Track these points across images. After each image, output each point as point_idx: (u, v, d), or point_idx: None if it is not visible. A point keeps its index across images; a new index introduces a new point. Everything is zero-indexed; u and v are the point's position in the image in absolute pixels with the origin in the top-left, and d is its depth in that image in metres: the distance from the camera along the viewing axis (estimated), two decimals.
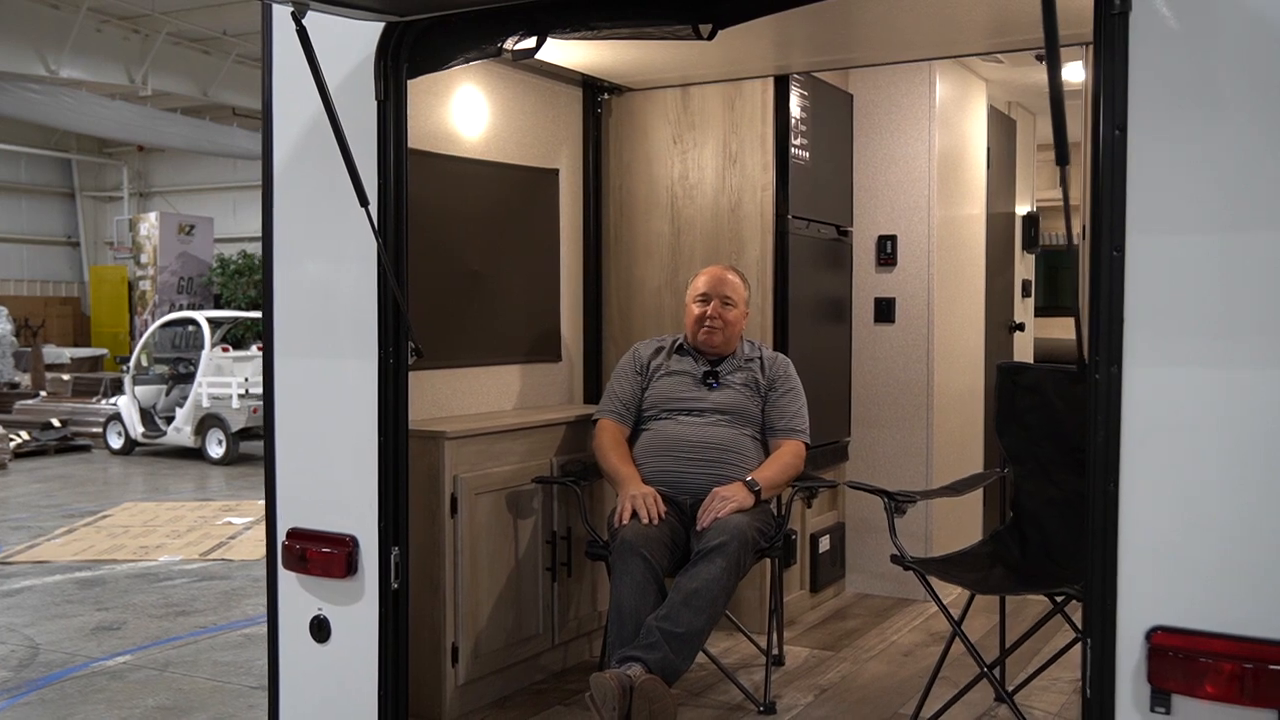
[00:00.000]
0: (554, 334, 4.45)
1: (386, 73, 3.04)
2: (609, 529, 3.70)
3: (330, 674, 3.18)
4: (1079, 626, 3.37)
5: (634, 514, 3.51)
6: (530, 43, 3.01)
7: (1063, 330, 7.63)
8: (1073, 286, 2.38)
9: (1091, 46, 3.74)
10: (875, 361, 5.07)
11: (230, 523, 8.71)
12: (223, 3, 14.22)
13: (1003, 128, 5.84)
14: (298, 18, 2.75)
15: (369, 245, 3.07)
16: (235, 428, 11.89)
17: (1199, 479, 2.21)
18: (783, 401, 3.84)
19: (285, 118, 3.25)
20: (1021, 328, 6.16)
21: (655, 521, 3.50)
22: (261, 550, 7.72)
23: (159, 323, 13.45)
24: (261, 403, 11.67)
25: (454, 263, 3.93)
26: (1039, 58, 4.87)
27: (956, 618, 3.37)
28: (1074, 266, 3.51)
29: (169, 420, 12.43)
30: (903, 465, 4.96)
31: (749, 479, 3.62)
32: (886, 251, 5.01)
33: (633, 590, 3.33)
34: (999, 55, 4.75)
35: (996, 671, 3.63)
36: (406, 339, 3.10)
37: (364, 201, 2.93)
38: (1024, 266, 6.27)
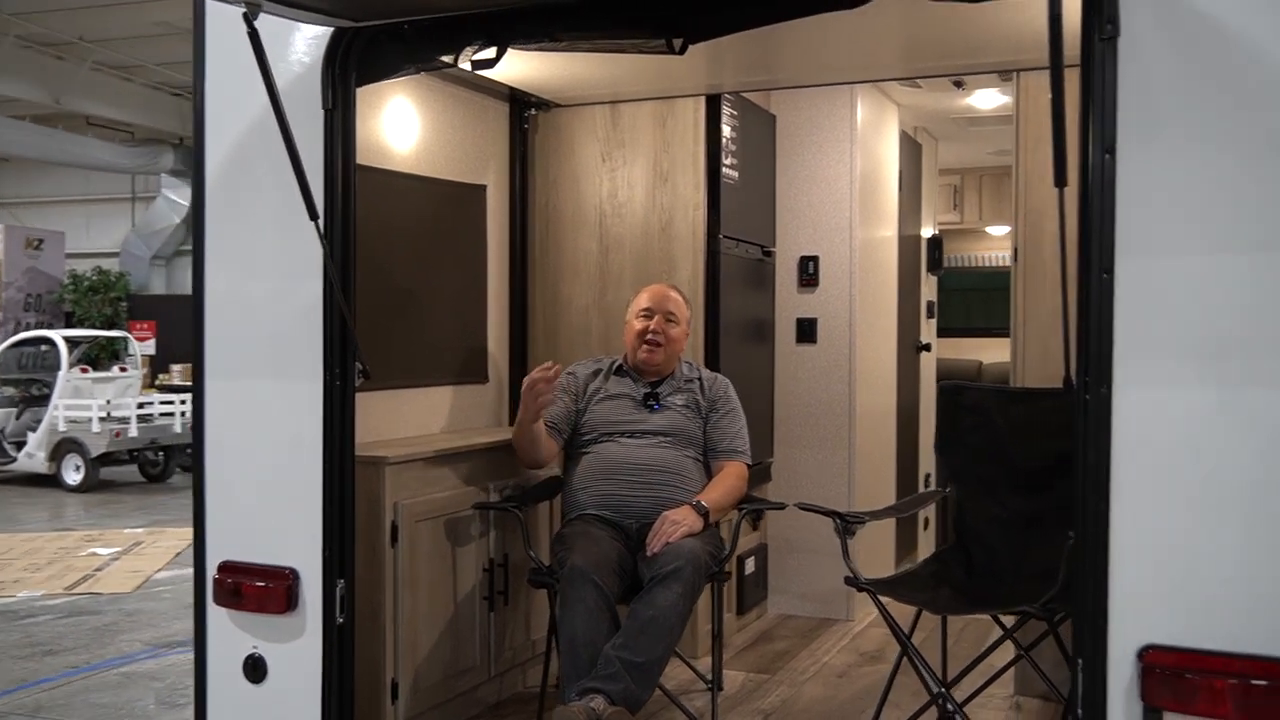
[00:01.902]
0: (481, 354, 4.33)
1: (335, 81, 2.90)
2: (552, 554, 3.59)
3: (266, 716, 2.99)
4: (1023, 646, 3.43)
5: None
6: (490, 53, 2.92)
7: (952, 350, 7.80)
8: (1062, 307, 2.42)
9: (1034, 72, 3.88)
10: (797, 382, 5.08)
11: (95, 554, 8.24)
12: (79, 6, 13.52)
13: (911, 151, 5.95)
14: (250, 20, 2.58)
15: (310, 261, 2.93)
16: (95, 453, 11.32)
17: (1188, 497, 2.24)
18: (724, 423, 3.80)
19: (218, 127, 3.07)
20: (929, 348, 6.29)
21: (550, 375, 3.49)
22: (133, 582, 7.35)
23: (8, 342, 12.70)
24: (124, 426, 11.31)
25: (382, 279, 3.77)
26: (956, 84, 4.99)
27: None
28: (1009, 287, 3.59)
29: (19, 445, 11.76)
30: (825, 485, 4.98)
31: (696, 501, 3.55)
32: (809, 272, 5.04)
33: (586, 619, 3.23)
34: (919, 80, 4.83)
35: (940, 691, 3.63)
36: (354, 359, 2.95)
37: (314, 215, 2.79)
38: (928, 288, 6.40)
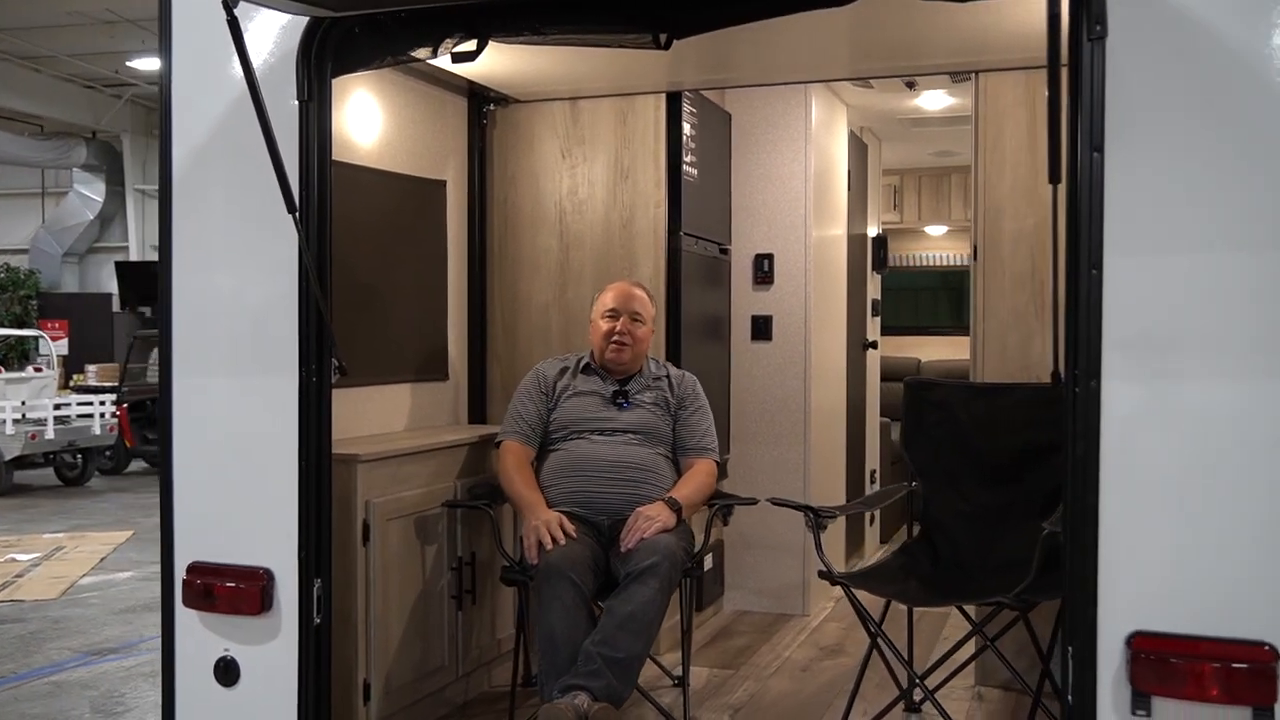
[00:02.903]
0: (441, 352, 4.28)
1: (310, 72, 2.85)
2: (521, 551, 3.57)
3: None
4: (989, 637, 3.49)
5: (554, 539, 3.40)
6: (470, 46, 2.88)
7: (889, 348, 7.95)
8: (1051, 304, 2.47)
9: (993, 73, 3.95)
10: (752, 379, 5.11)
11: (14, 559, 7.97)
12: None
13: (858, 151, 6.02)
14: (230, 7, 2.52)
15: (284, 256, 2.87)
16: (9, 456, 10.97)
17: (1173, 489, 2.30)
18: (693, 420, 3.80)
19: (186, 118, 2.99)
20: (875, 345, 6.37)
21: (563, 542, 3.40)
22: (57, 589, 7.12)
23: None
24: (40, 428, 10.94)
25: (345, 275, 3.69)
26: (908, 85, 5.07)
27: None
28: (966, 285, 3.64)
29: None
30: (781, 481, 5.01)
31: (670, 497, 3.56)
32: (764, 270, 5.08)
33: (564, 616, 3.21)
34: (872, 80, 4.90)
35: (905, 681, 3.69)
36: (330, 355, 2.90)
37: (292, 208, 2.74)
38: (873, 286, 6.49)
